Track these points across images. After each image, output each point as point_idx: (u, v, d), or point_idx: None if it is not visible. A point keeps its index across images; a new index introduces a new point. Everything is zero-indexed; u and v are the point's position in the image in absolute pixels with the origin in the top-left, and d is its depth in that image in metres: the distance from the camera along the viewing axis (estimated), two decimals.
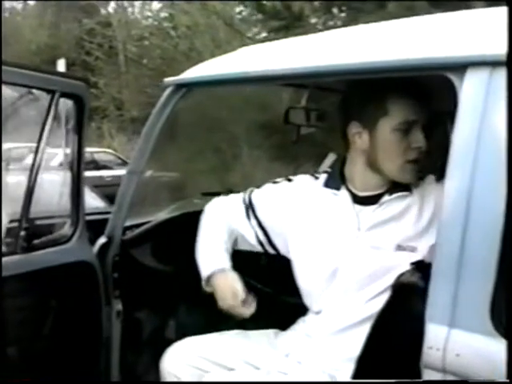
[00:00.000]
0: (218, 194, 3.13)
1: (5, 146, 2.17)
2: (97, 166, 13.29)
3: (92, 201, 6.08)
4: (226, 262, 2.08)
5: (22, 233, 2.11)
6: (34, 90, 2.09)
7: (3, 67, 1.86)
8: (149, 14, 20.71)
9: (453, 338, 1.41)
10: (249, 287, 2.35)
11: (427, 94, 1.84)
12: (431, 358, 1.44)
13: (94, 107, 18.82)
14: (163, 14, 19.43)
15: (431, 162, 2.56)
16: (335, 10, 5.71)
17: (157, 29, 18.28)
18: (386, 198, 1.88)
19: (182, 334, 2.38)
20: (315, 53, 1.88)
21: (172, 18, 17.85)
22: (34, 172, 2.11)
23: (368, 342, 1.69)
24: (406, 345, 1.56)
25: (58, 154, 2.42)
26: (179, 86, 2.16)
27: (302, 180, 2.09)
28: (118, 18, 20.49)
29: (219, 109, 8.99)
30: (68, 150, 2.27)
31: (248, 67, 2.00)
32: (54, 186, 2.36)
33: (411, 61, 1.57)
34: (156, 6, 20.16)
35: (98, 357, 2.40)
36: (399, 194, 1.87)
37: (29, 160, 2.20)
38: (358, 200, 1.93)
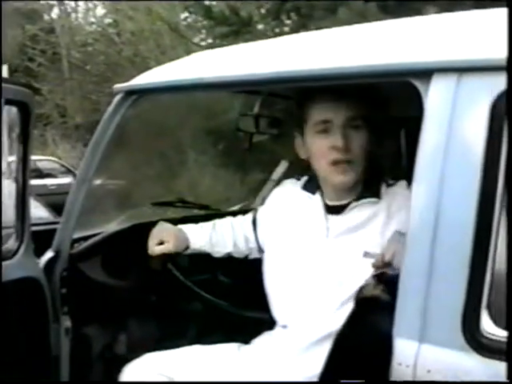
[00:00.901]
0: (168, 203, 3.07)
1: None
2: (40, 174, 13.05)
3: (35, 210, 5.91)
4: (186, 228, 2.20)
5: None
6: None
7: None
8: (93, 19, 20.48)
9: (423, 353, 1.37)
10: (205, 302, 2.30)
11: (349, 95, 1.83)
12: (401, 374, 1.38)
13: (37, 114, 18.36)
14: (107, 20, 19.24)
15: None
16: (284, 17, 5.68)
17: (101, 35, 18.06)
18: (353, 204, 1.87)
19: (133, 350, 2.31)
20: (270, 59, 1.82)
21: (116, 24, 17.68)
22: None
23: (330, 358, 1.63)
24: (371, 361, 1.50)
25: None
26: (129, 93, 2.08)
27: (286, 184, 2.13)
28: (61, 24, 20.16)
29: (166, 115, 8.90)
30: (11, 159, 2.16)
31: (199, 74, 1.95)
32: None
33: (374, 67, 1.52)
34: (100, 11, 19.96)
35: (48, 376, 2.29)
36: (366, 200, 1.86)
37: None
38: (328, 209, 1.92)
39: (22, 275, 2.16)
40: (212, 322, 2.49)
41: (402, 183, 1.87)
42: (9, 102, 2.01)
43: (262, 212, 2.15)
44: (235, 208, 3.21)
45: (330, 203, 1.92)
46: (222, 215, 2.41)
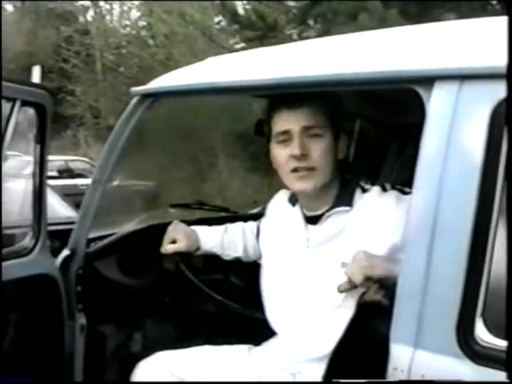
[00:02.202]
0: (187, 205, 3.09)
1: None
2: (71, 174, 13.20)
3: (64, 210, 5.96)
4: (198, 230, 2.26)
5: None
6: None
7: None
8: (127, 22, 20.69)
9: (418, 358, 1.38)
10: (217, 303, 2.32)
11: (307, 105, 1.85)
12: (396, 379, 1.39)
13: (70, 115, 18.72)
14: (141, 23, 19.43)
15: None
16: (310, 22, 5.68)
17: (135, 37, 18.27)
18: (326, 214, 1.89)
19: (147, 349, 2.33)
20: (283, 64, 1.84)
21: (150, 27, 17.84)
22: None
23: (332, 362, 1.64)
24: (371, 365, 1.51)
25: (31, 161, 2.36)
26: (145, 96, 2.11)
27: (279, 194, 2.15)
28: (96, 26, 20.40)
29: (196, 118, 8.95)
30: (28, 159, 2.21)
31: (215, 77, 1.97)
32: (20, 195, 2.30)
33: (377, 73, 1.53)
34: (134, 14, 20.17)
35: (61, 373, 2.32)
36: (338, 209, 1.87)
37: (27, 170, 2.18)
38: (307, 219, 1.95)
39: (37, 272, 2.20)
40: (224, 323, 2.51)
41: (376, 189, 1.86)
42: (26, 104, 2.06)
43: (262, 222, 2.19)
44: (254, 211, 3.22)
45: (308, 213, 1.94)
46: (242, 218, 2.43)
